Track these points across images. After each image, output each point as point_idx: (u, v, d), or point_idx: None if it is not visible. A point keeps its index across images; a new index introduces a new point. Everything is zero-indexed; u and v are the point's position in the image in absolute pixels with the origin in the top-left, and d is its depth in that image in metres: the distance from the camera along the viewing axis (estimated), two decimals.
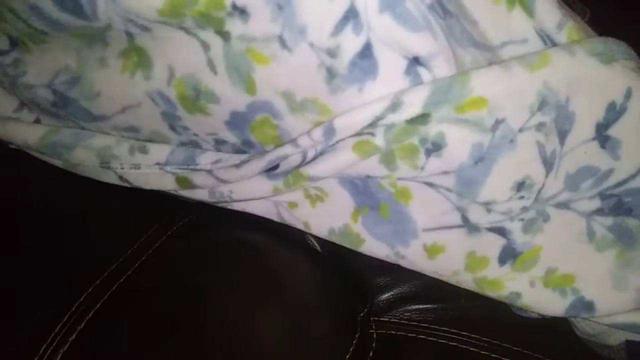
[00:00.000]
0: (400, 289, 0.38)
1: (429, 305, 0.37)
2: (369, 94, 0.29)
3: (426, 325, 0.37)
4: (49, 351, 0.28)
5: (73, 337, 0.28)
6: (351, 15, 0.28)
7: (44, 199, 0.36)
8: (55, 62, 0.34)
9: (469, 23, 0.30)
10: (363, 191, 0.33)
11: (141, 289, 0.31)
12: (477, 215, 0.31)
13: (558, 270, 0.33)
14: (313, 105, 0.30)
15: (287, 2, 0.27)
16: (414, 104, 0.28)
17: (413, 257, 0.34)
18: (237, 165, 0.33)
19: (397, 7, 0.27)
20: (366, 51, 0.28)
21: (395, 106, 0.28)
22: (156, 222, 0.35)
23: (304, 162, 0.32)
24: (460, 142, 0.29)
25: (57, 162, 0.37)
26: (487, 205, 0.31)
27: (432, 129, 0.29)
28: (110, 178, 0.36)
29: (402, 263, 0.35)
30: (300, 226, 0.36)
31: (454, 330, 0.36)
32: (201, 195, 0.36)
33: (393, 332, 0.36)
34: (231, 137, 0.34)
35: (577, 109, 0.30)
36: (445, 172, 0.30)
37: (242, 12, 0.28)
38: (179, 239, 0.35)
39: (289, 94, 0.30)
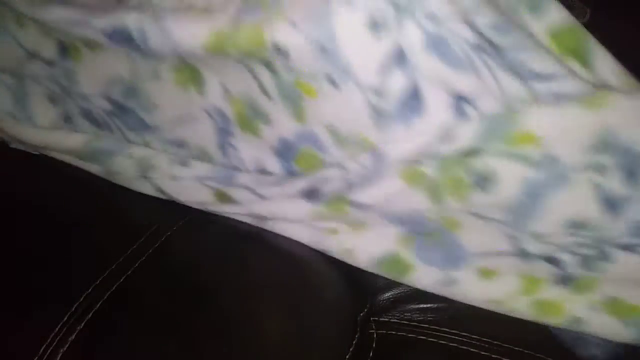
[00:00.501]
0: (400, 288, 0.38)
1: (429, 305, 0.37)
2: (416, 131, 0.29)
3: (426, 325, 0.36)
4: (49, 351, 0.28)
5: (73, 337, 0.28)
6: (397, 55, 0.28)
7: (43, 200, 0.36)
8: (108, 71, 0.35)
9: (533, 50, 0.28)
10: (408, 221, 0.33)
11: (141, 289, 0.31)
12: (529, 245, 0.31)
13: (622, 300, 0.31)
14: (358, 140, 0.30)
15: (330, 44, 0.28)
16: (465, 137, 0.28)
17: (465, 281, 0.33)
18: (278, 183, 0.33)
19: (442, 47, 0.27)
20: (412, 90, 0.28)
21: (446, 138, 0.28)
22: (156, 223, 0.35)
23: (347, 188, 0.32)
24: (509, 177, 0.29)
25: (96, 168, 0.38)
26: (540, 238, 0.30)
27: (481, 162, 0.29)
28: (147, 188, 0.37)
29: (454, 291, 0.33)
30: (343, 255, 0.35)
31: (454, 331, 0.36)
32: (239, 212, 0.36)
33: (393, 333, 0.36)
34: (275, 166, 0.34)
35: None
36: (495, 206, 0.30)
37: (284, 53, 0.29)
38: (179, 239, 0.35)
39: (334, 128, 0.30)
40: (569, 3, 0.50)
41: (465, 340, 0.35)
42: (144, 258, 0.32)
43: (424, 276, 0.34)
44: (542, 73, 0.28)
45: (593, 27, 0.32)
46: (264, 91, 0.31)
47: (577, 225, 0.29)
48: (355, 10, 0.27)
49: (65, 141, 0.37)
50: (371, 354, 0.35)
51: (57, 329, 0.28)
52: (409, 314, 0.37)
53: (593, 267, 0.30)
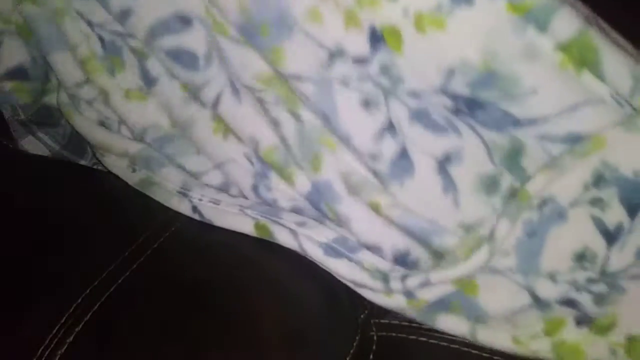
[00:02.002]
0: None
1: None
2: (409, 189, 0.33)
3: (427, 326, 0.36)
4: (47, 353, 0.28)
5: (71, 338, 0.28)
6: (388, 127, 0.32)
7: (42, 201, 0.36)
8: (149, 118, 0.38)
9: (519, 99, 0.29)
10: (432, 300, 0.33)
11: (139, 290, 0.31)
12: (545, 289, 0.31)
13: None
14: (367, 184, 0.33)
15: (332, 114, 0.32)
16: (503, 240, 0.30)
17: (492, 330, 0.33)
18: (325, 251, 0.35)
19: (424, 117, 0.32)
20: (403, 154, 0.32)
21: (493, 254, 0.31)
22: (154, 224, 0.35)
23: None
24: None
25: (138, 177, 0.38)
26: (552, 276, 0.31)
27: None
28: (183, 207, 0.37)
29: (479, 339, 0.33)
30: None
31: None
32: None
33: (394, 334, 0.36)
34: (309, 209, 0.36)
35: None
36: (507, 253, 0.31)
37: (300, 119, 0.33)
38: (177, 240, 0.35)
39: (347, 175, 0.34)
40: (571, 3, 0.49)
41: (466, 341, 0.35)
42: (141, 259, 0.32)
43: (450, 329, 0.34)
44: (526, 119, 0.29)
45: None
46: (284, 142, 0.34)
47: (584, 258, 0.30)
48: (352, 91, 0.32)
49: (125, 144, 0.39)
50: (372, 356, 0.35)
51: (54, 330, 0.28)
52: None
53: (607, 303, 0.31)
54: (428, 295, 0.33)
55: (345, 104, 0.32)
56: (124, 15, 0.35)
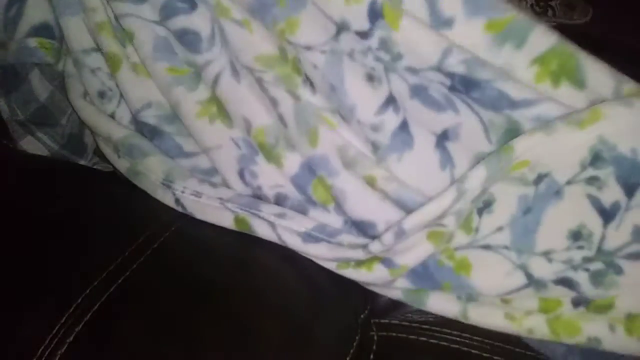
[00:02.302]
0: None
1: None
2: (407, 162, 0.34)
3: (427, 327, 0.36)
4: (47, 353, 0.27)
5: (71, 338, 0.28)
6: (391, 101, 0.34)
7: (42, 201, 0.36)
8: (153, 95, 0.38)
9: (512, 80, 0.30)
10: (423, 276, 0.34)
11: (139, 290, 0.31)
12: (540, 268, 0.31)
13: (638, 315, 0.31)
14: (363, 158, 0.34)
15: (339, 84, 0.34)
16: (476, 188, 0.30)
17: (483, 308, 0.33)
18: (304, 239, 0.35)
19: (423, 93, 0.33)
20: (403, 126, 0.34)
21: (461, 194, 0.30)
22: (154, 223, 0.35)
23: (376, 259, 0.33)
24: (506, 196, 0.31)
25: (124, 165, 0.38)
26: (547, 255, 0.31)
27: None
28: (166, 198, 0.37)
29: (471, 320, 0.33)
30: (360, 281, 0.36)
31: (455, 332, 0.36)
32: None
33: (394, 334, 0.36)
34: (294, 194, 0.36)
35: None
36: (500, 229, 0.32)
37: (311, 84, 0.35)
38: (177, 240, 0.35)
39: (343, 149, 0.34)
40: (571, 2, 0.49)
41: (467, 341, 0.35)
42: (142, 259, 0.32)
43: (440, 311, 0.34)
44: (522, 100, 0.30)
45: (595, 25, 0.32)
46: (282, 120, 0.35)
47: (579, 237, 0.30)
48: (357, 65, 0.33)
49: (108, 128, 0.39)
50: (372, 356, 0.35)
51: (55, 330, 0.28)
52: (410, 315, 0.37)
53: (605, 283, 0.31)
54: (407, 258, 0.33)
55: (351, 75, 0.33)
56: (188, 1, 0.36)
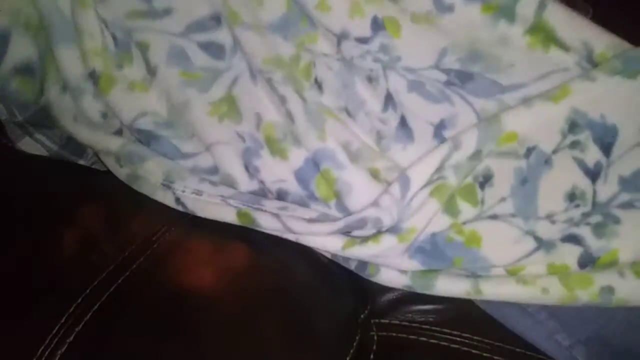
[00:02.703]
0: (401, 290, 0.38)
1: (430, 307, 0.37)
2: (411, 153, 0.36)
3: (428, 327, 0.36)
4: (47, 353, 0.27)
5: (71, 338, 0.28)
6: (389, 98, 0.37)
7: (42, 201, 0.36)
8: (150, 106, 0.39)
9: (502, 70, 0.36)
10: (433, 254, 0.34)
11: (139, 290, 0.31)
12: (546, 230, 0.34)
13: None
14: (367, 151, 0.36)
15: (350, 82, 0.38)
16: (470, 144, 0.34)
17: (494, 279, 0.34)
18: (309, 221, 0.35)
19: (420, 88, 0.37)
20: (403, 121, 0.37)
21: (456, 146, 0.33)
22: (154, 224, 0.35)
23: (383, 229, 0.34)
24: (503, 169, 0.34)
25: (125, 172, 0.39)
26: (550, 218, 0.33)
27: (481, 166, 0.34)
28: (166, 199, 0.38)
29: (484, 295, 0.33)
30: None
31: (456, 332, 0.36)
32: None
33: (394, 334, 0.36)
34: (296, 189, 0.37)
35: (617, 122, 0.34)
36: (503, 199, 0.34)
37: (319, 87, 0.38)
38: (177, 240, 0.35)
39: (347, 144, 0.36)
40: (572, 2, 0.49)
41: (466, 341, 0.35)
42: (141, 259, 0.32)
43: (452, 286, 0.34)
44: (510, 85, 0.36)
45: (595, 22, 0.33)
46: (289, 116, 0.37)
47: (575, 197, 0.34)
48: (359, 70, 0.38)
49: (106, 142, 0.40)
50: (372, 356, 0.35)
51: (55, 330, 0.28)
52: (410, 316, 0.37)
53: (607, 233, 0.33)
54: (415, 220, 0.33)
55: (358, 77, 0.38)
56: (166, 12, 0.39)
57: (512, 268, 0.34)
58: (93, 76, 0.39)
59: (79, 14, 0.39)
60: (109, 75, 0.39)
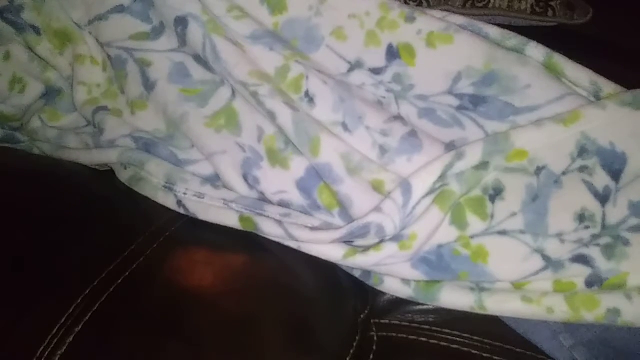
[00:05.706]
0: None
1: (430, 307, 0.37)
2: (417, 163, 0.35)
3: (428, 327, 0.36)
4: (47, 353, 0.28)
5: (71, 338, 0.28)
6: (398, 117, 0.37)
7: (42, 201, 0.36)
8: (151, 124, 0.41)
9: (517, 92, 0.36)
10: (438, 266, 0.34)
11: (139, 290, 0.31)
12: (555, 249, 0.33)
13: None
14: (369, 164, 0.35)
15: (349, 98, 0.37)
16: (475, 153, 0.34)
17: (499, 295, 0.34)
18: (312, 229, 0.35)
19: (431, 114, 0.37)
20: (413, 133, 0.36)
21: (460, 155, 0.33)
22: (154, 224, 0.35)
23: (386, 238, 0.34)
24: (514, 184, 0.34)
25: (127, 174, 0.39)
26: (560, 237, 0.33)
27: (489, 178, 0.34)
28: (168, 201, 0.38)
29: (488, 310, 0.34)
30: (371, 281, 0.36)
31: (456, 332, 0.36)
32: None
33: (394, 335, 0.36)
34: (299, 199, 0.37)
35: (626, 150, 0.34)
36: (513, 214, 0.34)
37: (310, 100, 0.37)
38: (177, 240, 0.35)
39: (347, 156, 0.35)
40: (571, 2, 0.49)
41: (467, 342, 0.35)
42: (141, 259, 0.32)
43: (454, 304, 0.34)
44: (524, 107, 0.36)
45: (595, 25, 0.33)
46: (281, 130, 0.37)
47: (585, 218, 0.33)
48: (366, 93, 0.38)
49: (101, 157, 0.40)
50: (372, 356, 0.35)
51: (54, 330, 0.28)
52: (410, 316, 0.37)
53: (616, 255, 0.33)
54: (416, 227, 0.33)
55: (360, 95, 0.38)
56: (162, 29, 0.41)
57: (517, 283, 0.34)
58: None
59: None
60: (116, 109, 0.41)
